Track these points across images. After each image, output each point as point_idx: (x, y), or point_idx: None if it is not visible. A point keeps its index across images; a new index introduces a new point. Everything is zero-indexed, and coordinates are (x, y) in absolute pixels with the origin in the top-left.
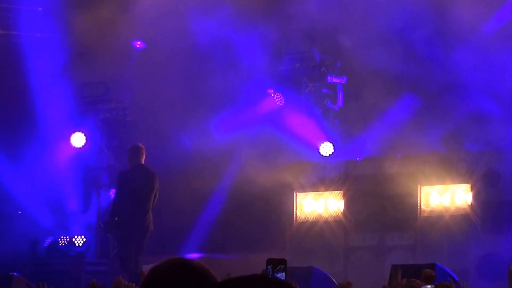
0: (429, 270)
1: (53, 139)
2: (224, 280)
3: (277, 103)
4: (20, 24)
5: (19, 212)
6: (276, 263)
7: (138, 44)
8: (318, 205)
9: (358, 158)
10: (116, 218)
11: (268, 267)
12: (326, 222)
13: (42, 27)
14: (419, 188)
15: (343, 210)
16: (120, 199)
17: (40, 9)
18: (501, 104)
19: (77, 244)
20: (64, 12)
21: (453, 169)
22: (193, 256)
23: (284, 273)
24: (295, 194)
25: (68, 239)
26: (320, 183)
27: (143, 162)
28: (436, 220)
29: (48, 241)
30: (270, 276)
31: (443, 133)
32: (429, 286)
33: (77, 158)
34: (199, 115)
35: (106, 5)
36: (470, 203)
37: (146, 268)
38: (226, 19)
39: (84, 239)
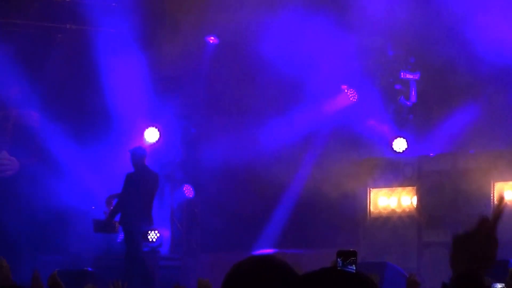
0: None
1: (127, 134)
2: (305, 274)
3: (351, 99)
4: (94, 19)
5: (93, 207)
6: (347, 255)
7: (211, 39)
8: (391, 200)
9: (431, 153)
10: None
11: (338, 259)
12: (400, 217)
13: (115, 22)
14: (492, 184)
15: (417, 206)
16: (128, 200)
17: (114, 4)
18: None
19: (150, 239)
20: (137, 7)
21: None
22: (268, 251)
23: (354, 266)
24: (368, 190)
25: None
26: (394, 178)
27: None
28: (510, 216)
29: (121, 236)
30: (351, 271)
31: None
32: (499, 285)
33: (151, 153)
34: (273, 111)
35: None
36: None
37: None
38: (298, 14)
39: (158, 234)
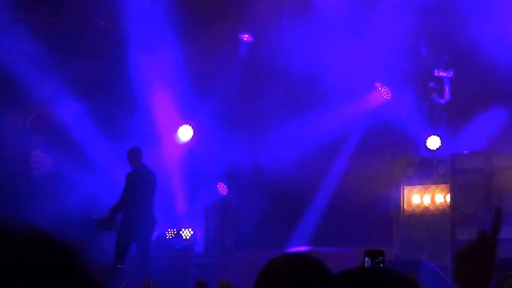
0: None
1: (161, 132)
2: (339, 272)
3: (385, 97)
4: (127, 16)
5: None
6: (375, 255)
7: (245, 37)
8: (425, 198)
9: (465, 151)
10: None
11: (367, 259)
12: (433, 215)
13: (149, 19)
14: None
15: (450, 204)
16: (130, 199)
17: (148, 1)
18: None
19: (184, 237)
20: (171, 4)
21: None
22: (302, 249)
23: (382, 265)
24: (402, 188)
25: (175, 232)
26: (427, 176)
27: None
28: None
29: (156, 234)
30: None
31: None
32: None
33: (185, 151)
34: (306, 110)
35: None
36: None
37: None
38: (331, 14)
39: (192, 232)
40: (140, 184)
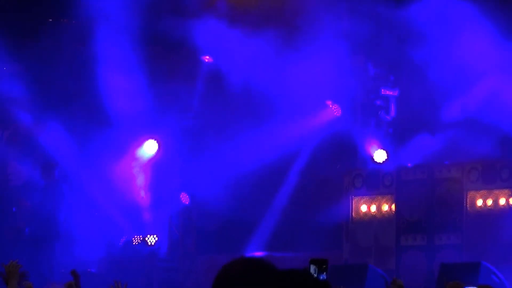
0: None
1: (128, 145)
2: (282, 271)
3: (335, 113)
4: (99, 39)
5: (96, 214)
6: (320, 263)
7: (206, 58)
8: (372, 207)
9: (409, 164)
10: None
11: (312, 266)
12: (380, 223)
13: (118, 43)
14: (465, 192)
15: (395, 212)
16: None
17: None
18: None
19: (149, 243)
20: (140, 30)
21: (497, 176)
22: (258, 254)
23: (325, 274)
24: (351, 198)
25: (141, 238)
26: (374, 187)
27: None
28: (482, 221)
29: (123, 240)
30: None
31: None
32: None
33: (150, 163)
34: (266, 126)
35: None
36: None
37: None
38: (279, 36)
39: (156, 238)
40: None
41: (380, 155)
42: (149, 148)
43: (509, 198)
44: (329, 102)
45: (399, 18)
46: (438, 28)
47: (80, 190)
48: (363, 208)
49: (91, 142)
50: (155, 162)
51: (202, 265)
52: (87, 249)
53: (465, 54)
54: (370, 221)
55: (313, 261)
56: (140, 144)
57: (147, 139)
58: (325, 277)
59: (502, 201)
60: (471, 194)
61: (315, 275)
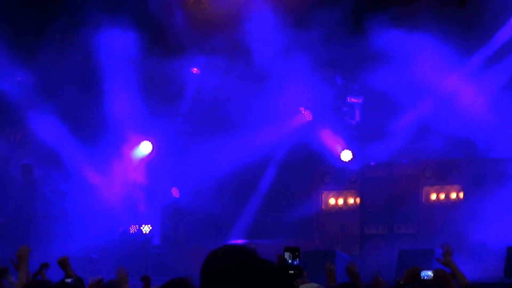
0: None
1: (126, 146)
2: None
3: (307, 118)
4: (102, 56)
5: (98, 207)
6: (293, 250)
7: (195, 70)
8: (339, 200)
9: (372, 163)
10: None
11: (286, 253)
12: (346, 214)
13: (117, 56)
14: (420, 188)
15: (359, 205)
16: None
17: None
18: None
19: (144, 232)
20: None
21: (449, 173)
22: (240, 241)
23: (298, 260)
24: (321, 192)
25: (137, 228)
26: (341, 183)
27: None
28: (435, 213)
29: (121, 229)
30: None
31: (444, 142)
32: (429, 272)
33: (145, 162)
34: (246, 129)
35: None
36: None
37: None
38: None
39: (151, 228)
40: None
41: (346, 155)
42: (144, 148)
43: (459, 192)
44: (301, 108)
45: (360, 41)
46: (396, 50)
47: (84, 187)
48: (331, 201)
49: (94, 143)
50: (149, 161)
51: (191, 251)
52: (90, 237)
53: (419, 69)
54: (338, 212)
55: (287, 249)
56: (136, 144)
57: (142, 140)
58: (298, 262)
59: (453, 195)
60: (426, 189)
61: (290, 261)
